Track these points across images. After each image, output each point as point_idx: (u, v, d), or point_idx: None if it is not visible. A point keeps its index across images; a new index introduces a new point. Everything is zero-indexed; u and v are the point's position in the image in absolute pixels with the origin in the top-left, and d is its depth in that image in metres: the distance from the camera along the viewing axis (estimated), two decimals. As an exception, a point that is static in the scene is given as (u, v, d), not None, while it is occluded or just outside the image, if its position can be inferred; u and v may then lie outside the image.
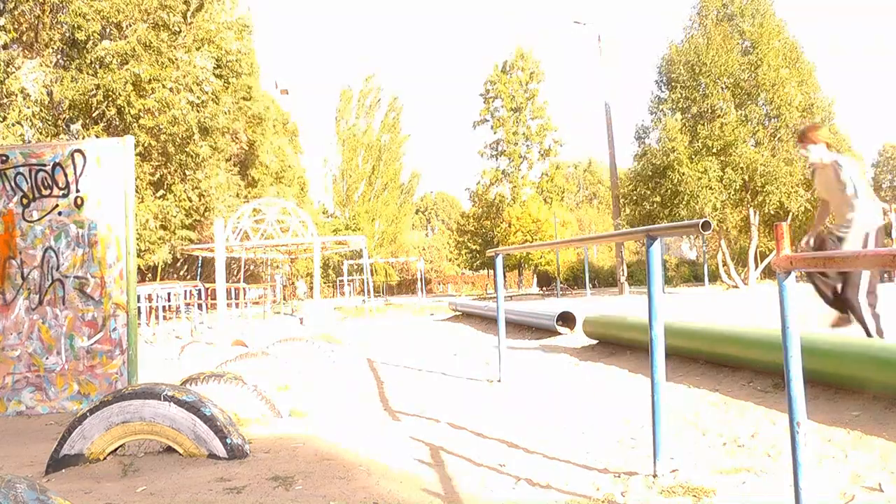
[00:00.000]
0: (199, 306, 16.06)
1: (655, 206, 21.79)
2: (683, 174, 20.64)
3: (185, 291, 16.54)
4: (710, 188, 20.48)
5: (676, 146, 20.98)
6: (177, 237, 18.54)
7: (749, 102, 21.26)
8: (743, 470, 2.70)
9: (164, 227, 17.64)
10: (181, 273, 26.41)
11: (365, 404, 4.82)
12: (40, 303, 4.60)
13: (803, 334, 2.43)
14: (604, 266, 41.73)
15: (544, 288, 37.46)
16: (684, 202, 20.68)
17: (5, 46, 14.88)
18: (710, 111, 21.58)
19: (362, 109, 54.08)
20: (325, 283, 44.32)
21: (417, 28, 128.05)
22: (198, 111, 17.12)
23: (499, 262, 5.75)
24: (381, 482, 2.70)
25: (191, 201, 18.87)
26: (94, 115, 16.09)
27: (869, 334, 4.25)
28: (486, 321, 12.20)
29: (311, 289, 23.74)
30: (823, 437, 3.02)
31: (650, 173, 22.02)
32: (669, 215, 21.17)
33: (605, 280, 39.37)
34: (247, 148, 27.22)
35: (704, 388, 4.34)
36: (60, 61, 16.34)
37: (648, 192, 22.16)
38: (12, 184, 4.63)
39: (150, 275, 21.19)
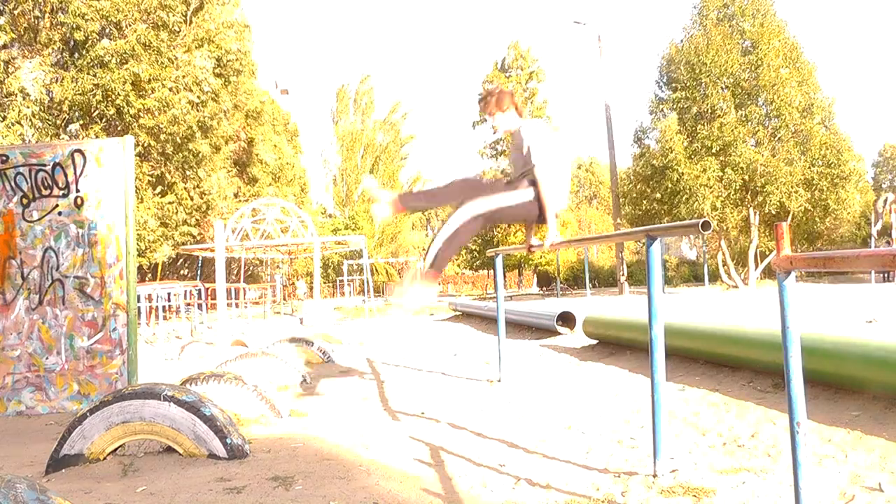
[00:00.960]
0: (199, 306, 16.06)
1: (655, 204, 21.81)
2: (682, 174, 20.66)
3: (185, 291, 16.55)
4: (709, 187, 20.49)
5: (674, 146, 20.99)
6: (179, 233, 18.56)
7: (749, 103, 21.25)
8: (743, 470, 2.70)
9: (164, 225, 17.65)
10: (181, 273, 26.42)
11: (365, 404, 4.82)
12: (40, 303, 4.60)
13: (803, 334, 2.43)
14: (604, 266, 41.71)
15: (544, 288, 37.45)
16: (683, 201, 20.70)
17: (5, 46, 14.89)
18: (710, 111, 21.57)
19: (360, 109, 54.07)
20: (325, 283, 44.31)
21: (417, 27, 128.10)
22: (198, 111, 17.12)
23: (499, 262, 5.75)
24: (381, 482, 2.70)
25: (192, 200, 18.88)
26: (93, 114, 16.09)
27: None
28: (486, 321, 12.20)
29: (311, 289, 23.74)
30: (823, 437, 3.02)
31: (649, 173, 22.05)
32: (668, 214, 21.18)
33: (605, 280, 39.36)
34: (245, 146, 27.22)
35: (704, 388, 4.34)
36: (60, 61, 16.34)
37: (648, 191, 22.17)
38: (12, 184, 4.63)
39: (150, 274, 21.20)
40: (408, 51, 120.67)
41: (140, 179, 16.55)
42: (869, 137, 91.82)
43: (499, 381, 5.41)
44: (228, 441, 3.04)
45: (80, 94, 15.41)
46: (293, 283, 35.21)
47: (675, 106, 22.24)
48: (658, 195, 21.71)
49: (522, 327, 9.73)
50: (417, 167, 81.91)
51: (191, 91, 16.77)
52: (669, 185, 21.06)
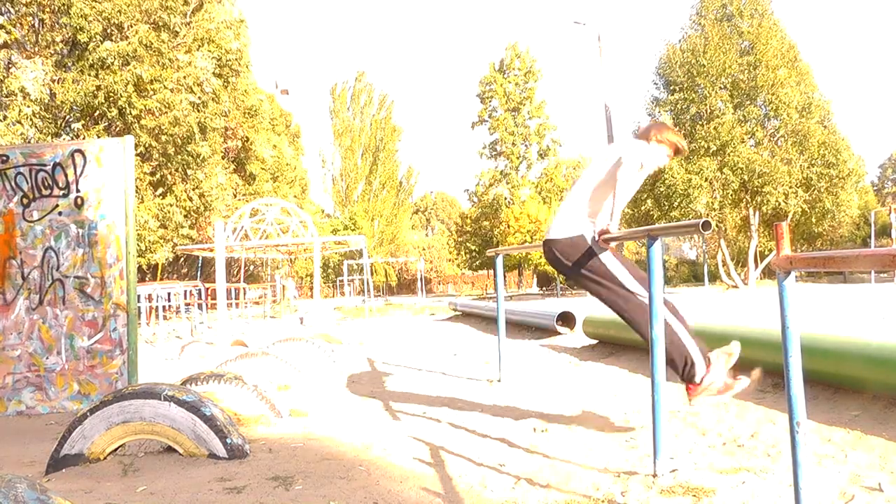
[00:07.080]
0: (199, 306, 16.05)
1: (650, 202, 21.84)
2: (674, 177, 20.66)
3: (185, 291, 16.54)
4: (702, 187, 20.49)
5: None
6: (178, 235, 18.55)
7: (748, 103, 21.24)
8: (743, 470, 2.70)
9: (164, 227, 17.64)
10: (181, 273, 26.42)
11: (365, 404, 4.82)
12: (40, 303, 4.60)
13: (803, 334, 2.43)
14: (604, 266, 41.60)
15: (544, 288, 37.45)
16: (676, 204, 20.73)
17: (6, 45, 14.88)
18: (708, 112, 21.57)
19: (357, 108, 54.08)
20: (325, 283, 44.29)
21: (417, 27, 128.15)
22: (198, 111, 17.12)
23: (499, 262, 5.75)
24: (381, 482, 2.70)
25: (191, 201, 18.87)
26: (95, 115, 16.09)
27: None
28: (486, 321, 12.19)
29: (310, 288, 23.71)
30: (823, 437, 3.02)
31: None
32: (664, 217, 21.19)
33: (605, 280, 39.24)
34: (241, 144, 27.23)
35: (704, 388, 4.33)
36: (61, 62, 16.33)
37: (645, 195, 22.20)
38: (12, 184, 4.63)
39: (150, 275, 21.19)
40: (408, 50, 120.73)
41: (141, 180, 16.55)
42: (882, 140, 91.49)
43: (499, 381, 5.41)
44: (228, 441, 3.04)
45: (82, 96, 15.38)
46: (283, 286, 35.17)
47: (672, 107, 22.24)
48: (650, 201, 21.73)
49: (522, 327, 9.73)
50: (411, 163, 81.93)
51: (192, 92, 16.77)
52: (662, 189, 21.08)
